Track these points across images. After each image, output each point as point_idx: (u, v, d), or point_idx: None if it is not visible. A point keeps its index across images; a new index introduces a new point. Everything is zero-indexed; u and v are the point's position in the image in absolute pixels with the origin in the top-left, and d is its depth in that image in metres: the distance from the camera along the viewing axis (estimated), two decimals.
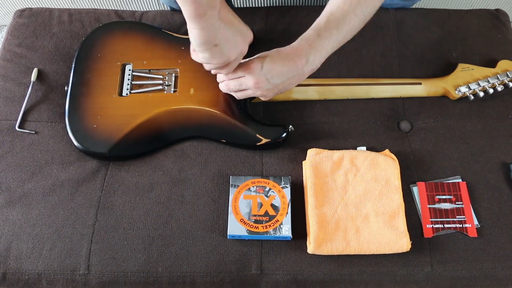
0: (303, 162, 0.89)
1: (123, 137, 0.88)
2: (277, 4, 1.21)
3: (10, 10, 1.59)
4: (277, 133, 0.89)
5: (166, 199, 0.86)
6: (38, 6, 1.28)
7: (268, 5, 1.14)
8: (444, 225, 0.84)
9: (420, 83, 0.96)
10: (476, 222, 0.84)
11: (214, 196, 0.86)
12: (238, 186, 0.85)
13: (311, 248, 0.80)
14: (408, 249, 0.80)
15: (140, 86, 0.94)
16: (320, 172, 0.86)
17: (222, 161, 0.90)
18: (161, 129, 0.90)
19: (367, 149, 0.91)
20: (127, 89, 0.93)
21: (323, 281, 0.81)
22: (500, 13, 1.10)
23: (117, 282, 0.81)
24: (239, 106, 0.90)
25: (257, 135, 0.88)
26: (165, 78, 0.94)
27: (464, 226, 0.84)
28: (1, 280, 0.81)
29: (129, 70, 0.95)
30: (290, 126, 0.89)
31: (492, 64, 1.00)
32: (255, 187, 0.85)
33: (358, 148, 0.91)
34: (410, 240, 0.81)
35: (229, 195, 0.85)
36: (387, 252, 0.80)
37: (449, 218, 0.85)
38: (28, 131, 0.93)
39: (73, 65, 0.96)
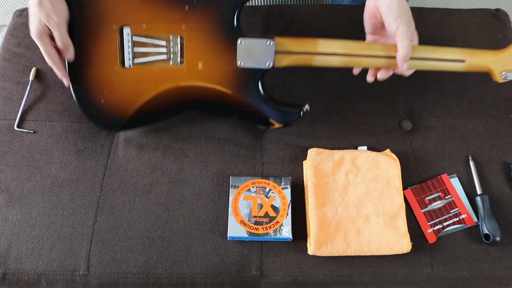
0: (304, 162, 0.89)
1: (134, 114, 0.87)
2: (277, 4, 1.21)
3: (9, 10, 1.59)
4: (291, 117, 0.86)
5: (166, 200, 0.86)
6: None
7: (268, 4, 1.13)
8: (443, 224, 0.84)
9: (464, 61, 0.83)
10: (470, 210, 0.85)
11: (214, 197, 0.86)
12: (238, 186, 0.84)
13: (311, 249, 0.80)
14: (409, 250, 0.80)
15: (144, 54, 0.85)
16: (321, 172, 0.86)
17: (222, 161, 0.90)
18: (171, 103, 0.87)
19: (368, 149, 0.91)
20: (129, 58, 0.85)
21: (323, 282, 0.81)
22: (500, 13, 1.10)
23: (117, 283, 0.80)
24: (252, 86, 0.84)
25: (270, 120, 0.86)
26: (169, 44, 0.84)
27: (460, 218, 0.84)
28: (1, 280, 0.81)
29: (128, 34, 0.84)
30: (306, 107, 0.86)
31: None
32: (255, 187, 0.84)
33: (359, 148, 0.91)
34: (411, 241, 0.81)
35: (229, 195, 0.85)
36: (387, 253, 0.80)
37: (444, 215, 0.85)
38: (26, 131, 0.93)
39: None
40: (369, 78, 0.85)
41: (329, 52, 0.82)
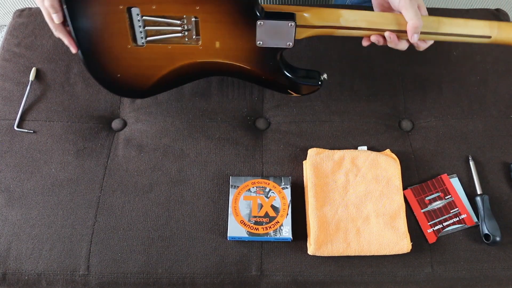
0: (304, 162, 0.89)
1: (152, 86, 0.87)
2: (277, 4, 1.21)
3: (9, 10, 1.59)
4: (309, 89, 0.86)
5: (166, 200, 0.86)
6: (38, 6, 1.28)
7: (268, 4, 1.13)
8: (443, 224, 0.84)
9: (490, 37, 0.82)
10: (470, 210, 0.85)
11: (214, 197, 0.86)
12: (238, 186, 0.84)
13: (311, 249, 0.80)
14: (409, 250, 0.80)
15: (156, 32, 0.81)
16: (321, 172, 0.86)
17: (222, 161, 0.90)
18: (190, 74, 0.87)
19: (368, 149, 0.91)
20: (142, 37, 0.81)
21: (323, 282, 0.81)
22: (501, 13, 1.10)
23: (117, 283, 0.80)
24: (271, 62, 0.82)
25: (288, 90, 0.86)
26: (183, 21, 0.79)
27: (460, 218, 0.84)
28: (1, 281, 0.81)
29: (137, 15, 0.78)
30: (324, 76, 0.85)
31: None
32: (255, 187, 0.84)
33: (359, 148, 0.91)
34: (411, 241, 0.81)
35: (229, 195, 0.85)
36: (387, 253, 0.80)
37: (444, 215, 0.85)
38: (26, 131, 0.93)
39: (65, 6, 0.77)
40: (376, 39, 0.81)
41: (352, 26, 0.80)
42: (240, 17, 0.77)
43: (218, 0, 0.76)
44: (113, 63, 0.84)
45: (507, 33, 0.81)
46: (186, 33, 0.80)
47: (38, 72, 1.00)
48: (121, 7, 0.77)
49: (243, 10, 0.76)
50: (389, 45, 0.80)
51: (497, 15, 1.10)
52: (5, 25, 1.76)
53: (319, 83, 0.85)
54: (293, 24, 0.77)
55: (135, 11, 0.78)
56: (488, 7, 1.13)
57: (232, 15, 0.77)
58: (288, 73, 0.84)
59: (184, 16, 0.78)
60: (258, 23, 0.77)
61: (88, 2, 0.77)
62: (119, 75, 0.85)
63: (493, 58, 1.02)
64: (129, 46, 0.81)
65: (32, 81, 0.98)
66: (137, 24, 0.79)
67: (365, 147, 0.91)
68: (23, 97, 0.96)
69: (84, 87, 0.98)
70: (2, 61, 1.02)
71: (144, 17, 0.79)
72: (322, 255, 0.80)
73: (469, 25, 0.80)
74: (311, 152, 0.89)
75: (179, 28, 0.80)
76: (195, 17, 0.78)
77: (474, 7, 1.18)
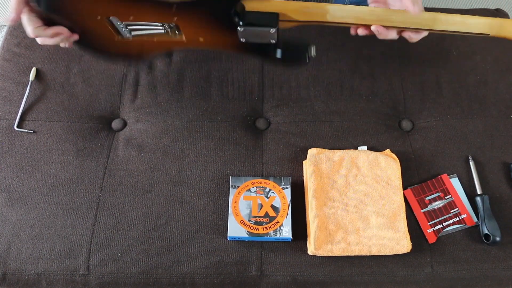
0: (304, 162, 0.89)
1: (145, 58, 0.92)
2: None
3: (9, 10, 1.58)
4: (297, 65, 0.88)
5: (166, 200, 0.86)
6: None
7: None
8: (443, 224, 0.84)
9: (488, 34, 0.81)
10: (470, 210, 0.85)
11: (214, 197, 0.86)
12: (238, 186, 0.84)
13: (311, 249, 0.80)
14: (409, 250, 0.80)
15: (140, 29, 0.82)
16: (321, 172, 0.86)
17: (222, 161, 0.90)
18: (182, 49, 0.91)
19: (368, 149, 0.91)
20: (127, 34, 0.82)
21: (323, 282, 0.81)
22: (500, 13, 1.10)
23: (117, 283, 0.80)
24: (257, 51, 0.83)
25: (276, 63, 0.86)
26: (164, 25, 0.80)
27: (460, 218, 0.84)
28: (1, 280, 0.81)
29: (117, 21, 0.80)
30: (312, 52, 0.81)
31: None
32: (255, 187, 0.84)
33: (359, 148, 0.91)
34: (411, 241, 0.81)
35: (229, 195, 0.85)
36: (387, 253, 0.80)
37: (444, 215, 0.85)
38: (26, 131, 0.93)
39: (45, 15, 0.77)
40: (359, 31, 0.80)
41: (339, 22, 0.78)
42: (219, 24, 0.77)
43: (195, 12, 0.76)
44: (104, 47, 0.84)
45: (506, 32, 0.80)
46: (169, 30, 0.81)
47: (38, 72, 1.00)
48: (99, 17, 0.78)
49: (221, 20, 0.76)
50: (379, 37, 0.79)
51: (497, 15, 1.10)
52: (5, 25, 1.76)
53: (306, 59, 0.82)
54: (274, 30, 0.76)
55: (114, 19, 0.79)
56: (488, 7, 1.13)
57: (211, 23, 0.78)
58: (275, 54, 0.82)
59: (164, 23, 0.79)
60: (239, 28, 0.76)
61: (67, 14, 0.77)
62: (112, 51, 0.86)
63: (493, 58, 1.02)
64: (117, 39, 0.82)
65: (32, 81, 0.98)
66: (120, 26, 0.80)
67: (365, 147, 0.91)
68: (23, 97, 0.96)
69: (84, 87, 0.98)
70: (2, 61, 1.02)
71: (124, 22, 0.79)
72: (322, 255, 0.80)
73: (467, 23, 0.79)
74: (311, 152, 0.89)
75: (161, 27, 0.80)
76: (175, 24, 0.79)
77: (474, 7, 1.18)
